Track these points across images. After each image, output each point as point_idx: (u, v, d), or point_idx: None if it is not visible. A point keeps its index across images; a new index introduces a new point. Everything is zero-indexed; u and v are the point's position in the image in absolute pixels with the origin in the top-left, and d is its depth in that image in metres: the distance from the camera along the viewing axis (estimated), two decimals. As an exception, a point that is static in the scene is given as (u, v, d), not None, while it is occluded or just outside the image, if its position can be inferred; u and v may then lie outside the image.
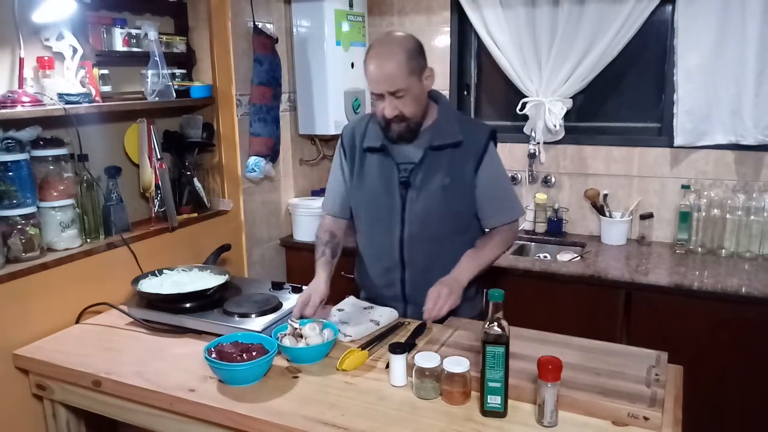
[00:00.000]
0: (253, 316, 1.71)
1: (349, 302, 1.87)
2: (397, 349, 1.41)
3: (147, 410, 1.49)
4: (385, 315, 1.77)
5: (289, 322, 1.60)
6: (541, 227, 2.86)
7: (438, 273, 1.75)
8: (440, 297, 1.66)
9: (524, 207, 2.37)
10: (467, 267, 1.77)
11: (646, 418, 1.22)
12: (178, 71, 2.33)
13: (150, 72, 2.14)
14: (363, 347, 1.57)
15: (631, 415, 1.23)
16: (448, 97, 2.65)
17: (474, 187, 1.78)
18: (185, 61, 2.41)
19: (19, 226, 1.79)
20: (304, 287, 1.89)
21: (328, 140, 3.15)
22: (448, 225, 1.80)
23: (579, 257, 2.52)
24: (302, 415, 1.31)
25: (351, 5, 2.84)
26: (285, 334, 1.57)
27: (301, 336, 1.56)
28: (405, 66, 1.64)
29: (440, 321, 1.73)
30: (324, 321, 1.65)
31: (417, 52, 1.68)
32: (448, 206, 1.78)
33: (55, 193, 1.88)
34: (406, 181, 1.78)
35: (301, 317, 1.66)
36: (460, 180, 1.77)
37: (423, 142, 1.78)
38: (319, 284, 1.75)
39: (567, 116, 2.75)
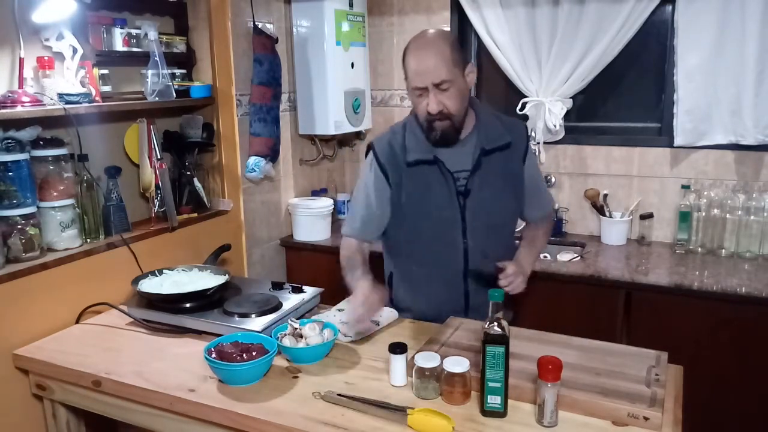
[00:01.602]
0: (253, 316, 1.71)
1: (349, 302, 1.86)
2: (397, 349, 1.41)
3: (147, 410, 1.49)
4: (385, 315, 1.77)
5: (289, 322, 1.60)
6: (541, 227, 2.86)
7: (496, 282, 1.74)
8: (516, 274, 1.69)
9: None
10: (529, 256, 1.80)
11: (646, 418, 1.22)
12: (178, 71, 2.33)
13: (150, 72, 2.14)
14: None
15: (631, 415, 1.23)
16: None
17: (521, 188, 1.79)
18: (185, 61, 2.40)
19: (19, 226, 1.79)
20: (304, 287, 1.89)
21: (328, 140, 3.15)
22: (506, 231, 1.80)
23: (579, 257, 2.52)
24: (302, 415, 1.31)
25: (351, 5, 2.84)
26: (285, 334, 1.57)
27: (301, 336, 1.56)
28: (449, 57, 1.60)
29: (440, 321, 1.73)
30: (324, 321, 1.65)
31: (458, 46, 1.66)
32: (507, 209, 1.78)
33: (55, 193, 1.88)
34: (464, 190, 1.72)
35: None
36: (513, 181, 1.77)
37: (470, 147, 1.72)
38: (362, 288, 1.61)
39: (567, 116, 2.75)
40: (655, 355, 1.47)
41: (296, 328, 1.57)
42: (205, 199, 2.43)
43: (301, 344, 1.54)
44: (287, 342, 1.54)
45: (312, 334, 1.56)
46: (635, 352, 1.49)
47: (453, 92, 1.62)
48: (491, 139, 1.73)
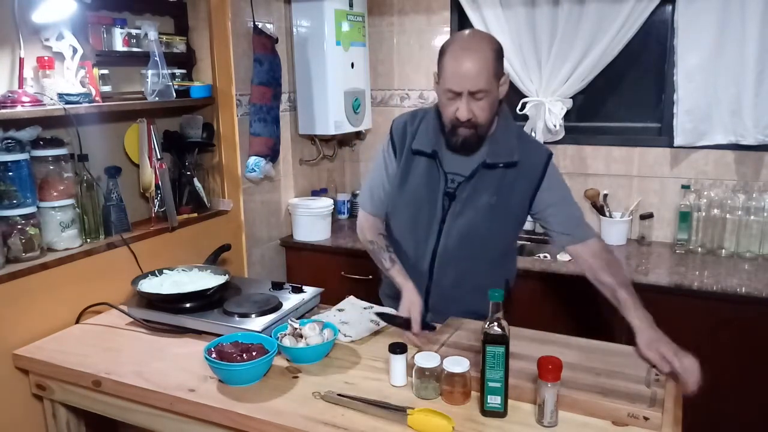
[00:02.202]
0: (253, 316, 1.71)
1: (349, 302, 1.87)
2: (397, 349, 1.41)
3: (147, 410, 1.49)
4: (385, 315, 1.77)
5: (289, 322, 1.60)
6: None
7: (465, 291, 1.71)
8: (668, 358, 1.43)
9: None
10: (636, 311, 1.56)
11: (646, 418, 1.22)
12: (178, 71, 2.33)
13: (150, 72, 2.14)
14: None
15: (631, 415, 1.23)
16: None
17: (521, 212, 1.71)
18: (185, 61, 2.40)
19: (19, 226, 1.79)
20: (304, 287, 1.89)
21: (328, 140, 3.15)
22: (486, 246, 1.73)
23: (579, 257, 2.51)
24: (302, 415, 1.31)
25: (351, 5, 2.84)
26: (285, 334, 1.57)
27: (301, 336, 1.56)
28: (491, 66, 1.53)
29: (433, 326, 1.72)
30: (324, 321, 1.65)
31: (501, 54, 1.58)
32: (490, 226, 1.70)
33: (55, 193, 1.88)
34: (452, 193, 1.70)
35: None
36: (507, 201, 1.69)
37: (477, 155, 1.68)
38: (413, 295, 1.63)
39: (567, 116, 2.75)
40: (655, 355, 1.47)
41: (296, 328, 1.57)
42: (205, 199, 2.43)
43: (301, 344, 1.54)
44: (287, 342, 1.54)
45: (312, 334, 1.56)
46: (635, 352, 1.49)
47: (486, 102, 1.56)
48: (497, 153, 1.67)
